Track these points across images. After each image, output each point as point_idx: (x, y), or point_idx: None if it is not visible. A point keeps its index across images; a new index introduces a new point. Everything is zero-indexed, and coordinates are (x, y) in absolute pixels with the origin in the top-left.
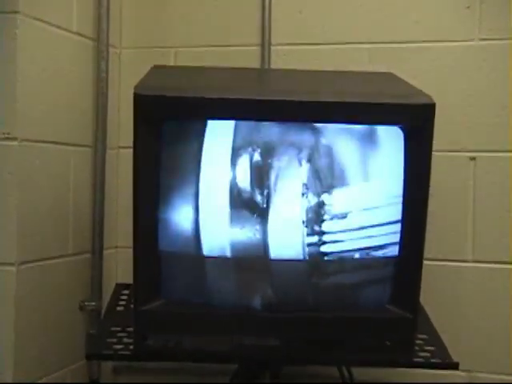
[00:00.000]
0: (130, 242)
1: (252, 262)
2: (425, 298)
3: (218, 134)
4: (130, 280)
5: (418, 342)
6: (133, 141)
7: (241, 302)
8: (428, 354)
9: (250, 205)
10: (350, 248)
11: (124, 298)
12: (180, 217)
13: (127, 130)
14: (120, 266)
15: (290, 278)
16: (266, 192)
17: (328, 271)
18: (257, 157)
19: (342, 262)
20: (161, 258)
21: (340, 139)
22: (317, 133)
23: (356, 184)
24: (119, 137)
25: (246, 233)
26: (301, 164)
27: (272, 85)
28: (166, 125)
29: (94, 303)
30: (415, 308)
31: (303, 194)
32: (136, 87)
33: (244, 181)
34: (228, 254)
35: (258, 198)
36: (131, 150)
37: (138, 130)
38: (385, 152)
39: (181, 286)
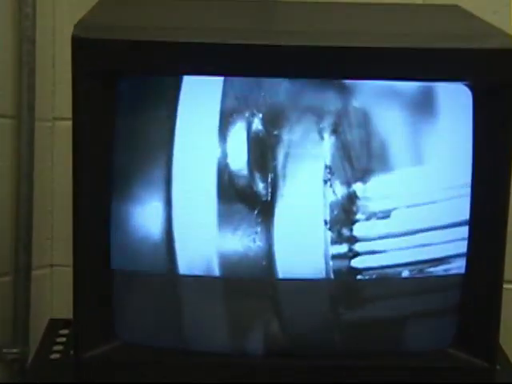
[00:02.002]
0: (71, 258)
1: (251, 283)
2: (505, 337)
3: (199, 95)
4: (70, 314)
5: None
6: (72, 108)
7: (234, 345)
8: None
9: (247, 197)
10: (395, 262)
11: (61, 340)
12: (144, 217)
13: (65, 93)
14: (56, 294)
15: (307, 308)
16: (270, 178)
17: (362, 297)
18: (257, 126)
19: (383, 282)
20: (114, 281)
21: (380, 103)
22: (346, 92)
23: (403, 168)
24: (54, 104)
25: (242, 239)
26: (322, 137)
27: (278, 23)
28: (121, 83)
29: (16, 350)
30: (493, 352)
31: (326, 182)
32: (76, 27)
33: (238, 162)
34: (215, 272)
35: (260, 187)
36: (71, 123)
37: (79, 92)
38: (445, 122)
39: (145, 321)
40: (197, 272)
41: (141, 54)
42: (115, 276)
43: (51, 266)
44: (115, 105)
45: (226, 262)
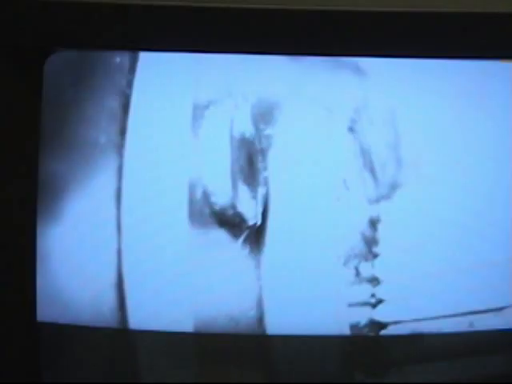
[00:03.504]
0: None
1: (233, 341)
2: None
3: (162, 79)
4: None
5: None
6: None
7: None
8: None
9: (228, 220)
10: (435, 314)
11: None
12: (82, 250)
13: None
14: None
15: (312, 375)
16: (260, 194)
17: (388, 360)
18: (243, 123)
19: (417, 340)
20: (40, 339)
21: (412, 91)
22: (366, 77)
23: (444, 180)
24: None
25: (221, 279)
26: (333, 139)
27: None
28: (50, 61)
29: None
30: None
31: (339, 200)
32: None
33: (217, 172)
34: (184, 325)
35: (246, 206)
36: None
37: None
38: (496, 116)
39: None
40: (156, 326)
41: (78, 19)
42: (41, 331)
43: None
44: (41, 91)
45: (198, 311)
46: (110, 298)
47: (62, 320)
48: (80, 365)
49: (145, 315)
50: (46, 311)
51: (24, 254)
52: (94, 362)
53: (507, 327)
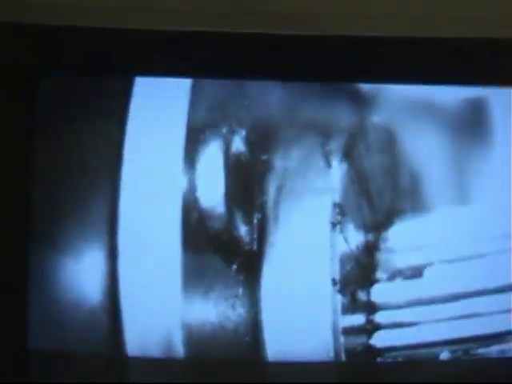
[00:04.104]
0: None
1: (229, 368)
2: None
3: (157, 103)
4: None
5: None
6: None
7: None
8: None
9: (223, 246)
10: (430, 339)
11: None
12: (76, 277)
13: None
14: None
15: None
16: (256, 220)
17: None
18: (238, 147)
19: (414, 368)
20: (31, 366)
21: (410, 118)
22: (363, 103)
23: (440, 209)
24: None
25: (217, 306)
26: (330, 164)
27: (265, 2)
28: (43, 84)
29: None
30: None
31: (334, 226)
32: None
33: (212, 196)
34: (178, 352)
35: (242, 231)
36: None
37: None
38: (498, 147)
39: None
40: (152, 353)
41: (74, 44)
42: (31, 358)
43: None
44: (34, 117)
45: (193, 338)
46: (104, 324)
47: (52, 347)
48: None
49: (138, 342)
50: (41, 335)
51: (16, 282)
52: None
53: (504, 356)
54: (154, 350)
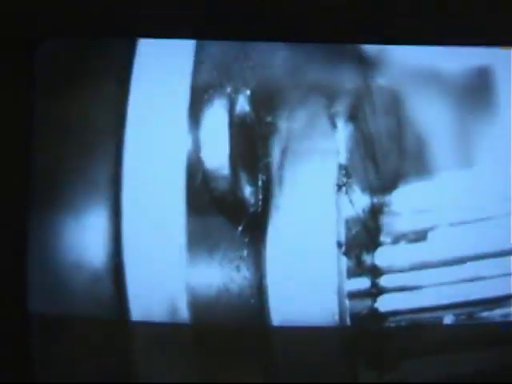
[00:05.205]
0: None
1: (234, 332)
2: None
3: (161, 64)
4: None
5: None
6: None
7: None
8: None
9: (228, 208)
10: (434, 303)
11: None
12: (78, 239)
13: None
14: None
15: (312, 367)
16: (261, 181)
17: (388, 352)
18: (243, 108)
19: (417, 332)
20: (32, 332)
21: (416, 80)
22: (369, 65)
23: (446, 171)
24: None
25: (221, 268)
26: (335, 126)
27: None
28: (42, 47)
29: None
30: None
31: (340, 188)
32: None
33: (216, 157)
34: (182, 316)
35: (246, 193)
36: None
37: None
38: (504, 110)
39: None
40: (156, 317)
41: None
42: (32, 323)
43: None
44: (34, 79)
45: (197, 301)
46: (107, 288)
47: (53, 311)
48: (75, 356)
49: (141, 306)
50: (41, 298)
51: (16, 247)
52: (88, 354)
53: (508, 319)
54: (158, 314)
